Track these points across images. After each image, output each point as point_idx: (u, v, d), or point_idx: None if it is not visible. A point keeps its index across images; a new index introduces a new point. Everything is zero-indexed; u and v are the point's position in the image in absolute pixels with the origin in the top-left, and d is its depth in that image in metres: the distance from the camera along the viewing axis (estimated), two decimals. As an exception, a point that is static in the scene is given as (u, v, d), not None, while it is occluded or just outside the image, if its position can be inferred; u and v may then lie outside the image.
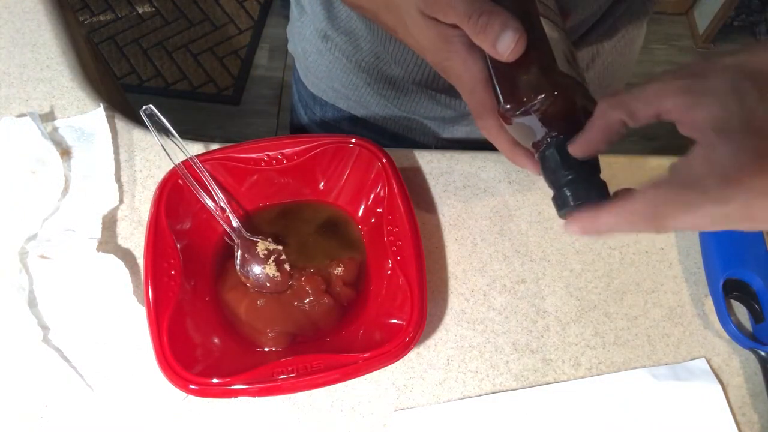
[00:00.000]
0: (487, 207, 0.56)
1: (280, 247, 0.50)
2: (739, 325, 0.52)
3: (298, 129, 0.78)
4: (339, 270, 0.49)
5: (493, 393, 0.48)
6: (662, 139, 1.66)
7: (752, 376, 0.50)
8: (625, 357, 0.50)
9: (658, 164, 0.60)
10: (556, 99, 0.34)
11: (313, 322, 0.48)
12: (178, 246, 0.47)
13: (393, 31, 0.42)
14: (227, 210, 0.49)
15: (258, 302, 0.48)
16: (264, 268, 0.48)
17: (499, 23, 0.33)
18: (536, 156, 0.38)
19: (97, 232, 0.51)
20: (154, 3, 1.97)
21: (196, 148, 0.56)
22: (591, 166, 0.36)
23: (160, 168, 0.56)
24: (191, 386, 0.40)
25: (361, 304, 0.49)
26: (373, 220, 0.51)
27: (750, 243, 0.52)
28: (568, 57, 0.36)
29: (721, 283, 0.51)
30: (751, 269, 0.51)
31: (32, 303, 0.48)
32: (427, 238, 0.54)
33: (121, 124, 0.58)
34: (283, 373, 0.41)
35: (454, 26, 0.36)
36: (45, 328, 0.47)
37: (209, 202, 0.49)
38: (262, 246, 0.49)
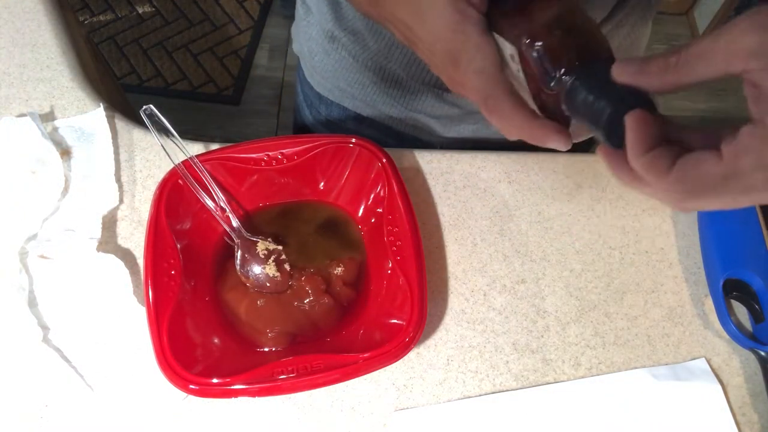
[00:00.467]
0: (487, 207, 0.56)
1: (280, 247, 0.50)
2: (739, 325, 0.52)
3: (302, 129, 0.78)
4: (339, 270, 0.49)
5: (493, 393, 0.48)
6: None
7: (752, 376, 0.50)
8: (625, 357, 0.50)
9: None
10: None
11: (313, 322, 0.48)
12: (178, 246, 0.47)
13: (403, 28, 0.41)
14: (227, 210, 0.49)
15: (258, 302, 0.48)
16: (264, 268, 0.48)
17: None
18: (565, 104, 0.34)
19: (97, 232, 0.51)
20: (154, 3, 1.97)
21: (196, 148, 0.56)
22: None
23: (160, 168, 0.56)
24: (191, 386, 0.40)
25: (361, 304, 0.49)
26: (373, 220, 0.51)
27: (750, 243, 0.52)
28: None
29: (721, 283, 0.51)
30: (751, 269, 0.51)
31: (32, 303, 0.48)
32: (427, 238, 0.54)
33: (121, 124, 0.58)
34: (283, 373, 0.41)
35: (473, 5, 0.36)
36: (45, 328, 0.47)
37: (209, 202, 0.49)
38: (262, 246, 0.49)
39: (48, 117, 0.58)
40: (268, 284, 0.48)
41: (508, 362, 0.49)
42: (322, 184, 0.53)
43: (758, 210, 0.54)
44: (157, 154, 0.57)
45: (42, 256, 0.50)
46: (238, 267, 0.49)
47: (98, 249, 0.50)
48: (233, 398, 0.42)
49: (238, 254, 0.49)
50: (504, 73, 0.37)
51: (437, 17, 0.37)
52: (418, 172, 0.58)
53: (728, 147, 0.27)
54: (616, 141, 0.31)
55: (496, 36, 0.37)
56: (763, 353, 0.49)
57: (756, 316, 0.51)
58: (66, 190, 0.53)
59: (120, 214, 0.53)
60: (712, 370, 0.50)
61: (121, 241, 0.52)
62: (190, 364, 0.42)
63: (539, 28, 0.34)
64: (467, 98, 0.40)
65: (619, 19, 0.56)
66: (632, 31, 0.59)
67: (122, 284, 0.48)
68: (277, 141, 0.51)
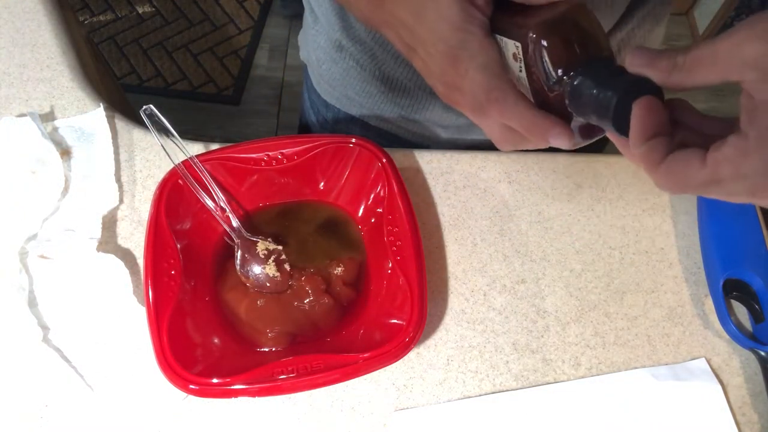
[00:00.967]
0: (487, 207, 0.56)
1: (280, 247, 0.50)
2: (739, 325, 0.52)
3: (307, 133, 0.79)
4: (339, 270, 0.49)
5: (493, 393, 0.48)
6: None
7: (752, 376, 0.50)
8: (625, 357, 0.50)
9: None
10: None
11: (313, 322, 0.48)
12: (178, 246, 0.47)
13: (403, 30, 0.41)
14: (227, 210, 0.49)
15: (258, 302, 0.48)
16: (264, 268, 0.48)
17: None
18: (569, 99, 0.34)
19: (97, 232, 0.51)
20: (154, 3, 1.97)
21: (196, 148, 0.56)
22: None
23: (160, 168, 0.56)
24: (191, 386, 0.40)
25: (361, 304, 0.49)
26: (373, 220, 0.51)
27: (750, 243, 0.52)
28: None
29: (721, 283, 0.51)
30: (751, 269, 0.51)
31: (32, 303, 0.48)
32: (427, 238, 0.54)
33: (121, 124, 0.58)
34: (283, 373, 0.41)
35: (479, 8, 0.36)
36: (45, 328, 0.47)
37: (209, 202, 0.49)
38: (262, 246, 0.49)
39: (48, 117, 0.58)
40: (268, 284, 0.48)
41: (508, 362, 0.49)
42: (322, 184, 0.53)
43: (758, 210, 0.54)
44: (157, 154, 0.57)
45: (42, 256, 0.50)
46: (238, 267, 0.49)
47: (98, 249, 0.50)
48: (233, 398, 0.42)
49: (238, 254, 0.49)
50: (506, 71, 0.37)
51: (441, 15, 0.37)
52: (418, 172, 0.58)
53: (712, 154, 0.27)
54: (624, 129, 0.31)
55: (498, 38, 0.37)
56: (763, 353, 0.49)
57: (756, 316, 0.51)
58: (66, 190, 0.53)
59: (120, 214, 0.53)
60: (712, 370, 0.50)
61: (121, 241, 0.52)
62: (190, 364, 0.42)
63: (546, 24, 0.34)
64: (462, 104, 0.40)
65: (638, 21, 0.56)
66: (650, 32, 0.59)
67: (122, 284, 0.48)
68: (277, 141, 0.51)
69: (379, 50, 0.59)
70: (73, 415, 0.45)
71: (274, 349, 0.47)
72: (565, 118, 0.35)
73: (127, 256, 0.51)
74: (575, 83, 0.33)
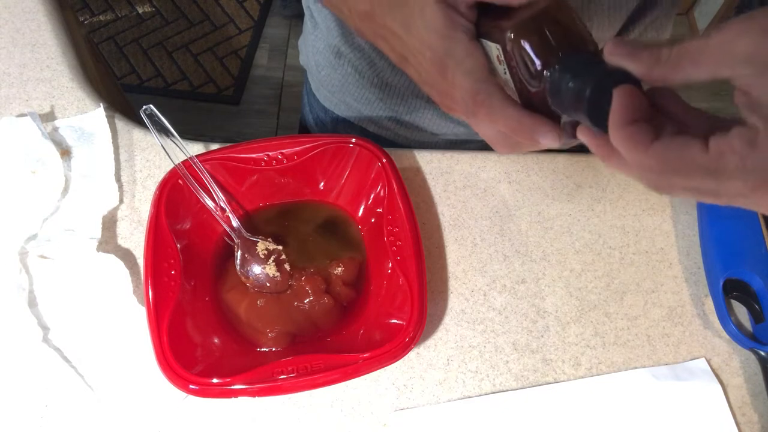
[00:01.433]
0: (487, 207, 0.56)
1: (280, 247, 0.50)
2: (739, 325, 0.52)
3: None
4: (339, 270, 0.49)
5: (493, 393, 0.48)
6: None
7: (752, 376, 0.50)
8: (625, 357, 0.50)
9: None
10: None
11: (313, 322, 0.48)
12: (178, 246, 0.47)
13: (395, 41, 0.41)
14: (227, 210, 0.49)
15: (258, 302, 0.48)
16: (264, 268, 0.48)
17: None
18: (549, 94, 0.34)
19: (97, 232, 0.51)
20: (154, 3, 1.97)
21: (196, 148, 0.56)
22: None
23: (160, 168, 0.56)
24: (191, 386, 0.40)
25: (361, 304, 0.49)
26: (373, 220, 0.51)
27: (750, 243, 0.52)
28: None
29: (721, 283, 0.51)
30: (751, 269, 0.51)
31: (32, 303, 0.48)
32: (427, 238, 0.54)
33: (121, 124, 0.58)
34: (283, 373, 0.41)
35: (463, 15, 0.37)
36: (45, 328, 0.47)
37: (209, 202, 0.49)
38: (262, 246, 0.49)
39: (48, 117, 0.58)
40: (268, 284, 0.48)
41: (508, 362, 0.49)
42: (322, 184, 0.53)
43: (758, 210, 0.54)
44: (157, 154, 0.57)
45: (42, 256, 0.50)
46: (238, 267, 0.49)
47: (98, 249, 0.50)
48: (233, 398, 0.42)
49: (238, 254, 0.49)
50: (493, 75, 0.37)
51: (427, 25, 0.37)
52: (418, 172, 0.58)
53: (716, 141, 0.26)
54: (598, 121, 0.30)
55: (484, 42, 0.37)
56: (763, 353, 0.49)
57: (756, 316, 0.51)
58: (66, 190, 0.53)
59: (120, 214, 0.53)
60: (712, 370, 0.50)
61: (121, 241, 0.52)
62: (190, 364, 0.42)
63: (523, 23, 0.34)
64: (456, 110, 0.40)
65: (639, 32, 0.57)
66: (660, 31, 0.60)
67: (122, 284, 0.48)
68: (277, 141, 0.51)
69: (377, 57, 0.59)
70: (73, 415, 0.45)
71: (274, 349, 0.47)
72: (553, 117, 0.35)
73: (127, 256, 0.51)
74: (553, 78, 0.33)
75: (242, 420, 0.46)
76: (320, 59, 0.66)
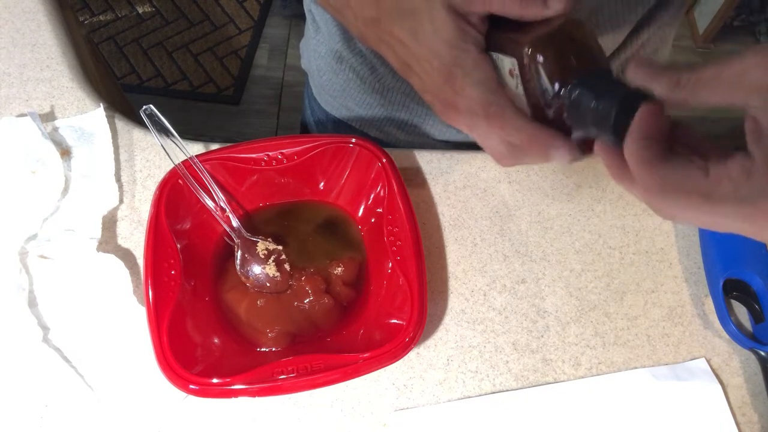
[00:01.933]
0: (487, 207, 0.56)
1: (280, 247, 0.50)
2: (739, 325, 0.52)
3: None
4: (339, 270, 0.49)
5: (493, 393, 0.48)
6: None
7: (752, 376, 0.50)
8: (625, 357, 0.50)
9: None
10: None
11: (313, 322, 0.48)
12: (178, 246, 0.47)
13: (399, 48, 0.41)
14: (227, 210, 0.49)
15: (258, 302, 0.48)
16: (264, 268, 0.48)
17: None
18: (567, 112, 0.34)
19: (97, 232, 0.51)
20: (154, 3, 1.97)
21: (196, 148, 0.56)
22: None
23: (160, 168, 0.56)
24: (191, 386, 0.40)
25: (361, 304, 0.49)
26: (373, 220, 0.51)
27: (750, 243, 0.52)
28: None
29: (721, 283, 0.51)
30: (751, 269, 0.51)
31: (32, 303, 0.48)
32: (427, 238, 0.54)
33: (121, 124, 0.58)
34: (283, 373, 0.41)
35: (474, 26, 0.37)
36: (45, 328, 0.47)
37: (209, 202, 0.49)
38: (262, 246, 0.49)
39: (48, 117, 0.58)
40: (268, 284, 0.48)
41: (508, 362, 0.49)
42: (322, 184, 0.53)
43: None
44: (157, 154, 0.57)
45: (42, 256, 0.50)
46: (238, 267, 0.49)
47: (98, 249, 0.50)
48: (233, 398, 0.42)
49: (238, 254, 0.49)
50: (503, 87, 0.37)
51: (436, 33, 0.37)
52: (418, 172, 0.58)
53: (716, 167, 0.27)
54: (620, 140, 0.30)
55: (494, 55, 0.37)
56: (763, 353, 0.49)
57: (756, 316, 0.51)
58: (66, 190, 0.53)
59: (120, 214, 0.53)
60: (712, 370, 0.50)
61: (121, 241, 0.52)
62: (190, 364, 0.41)
63: (541, 39, 0.34)
64: (459, 121, 0.39)
65: (642, 42, 0.57)
66: (656, 51, 0.60)
67: (122, 284, 0.48)
68: (277, 141, 0.51)
69: (379, 63, 0.59)
70: (73, 415, 0.45)
71: (274, 349, 0.47)
72: (563, 131, 0.35)
73: (127, 256, 0.51)
74: (573, 96, 0.33)
75: (242, 420, 0.46)
76: (322, 64, 0.66)
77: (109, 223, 0.53)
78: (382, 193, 0.50)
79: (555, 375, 0.49)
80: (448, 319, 0.51)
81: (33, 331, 0.46)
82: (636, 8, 0.54)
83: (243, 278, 0.49)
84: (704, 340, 0.51)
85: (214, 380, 0.41)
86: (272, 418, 0.46)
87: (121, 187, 0.54)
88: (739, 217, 0.26)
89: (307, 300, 0.48)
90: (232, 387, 0.41)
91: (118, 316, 0.48)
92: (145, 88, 1.81)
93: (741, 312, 0.53)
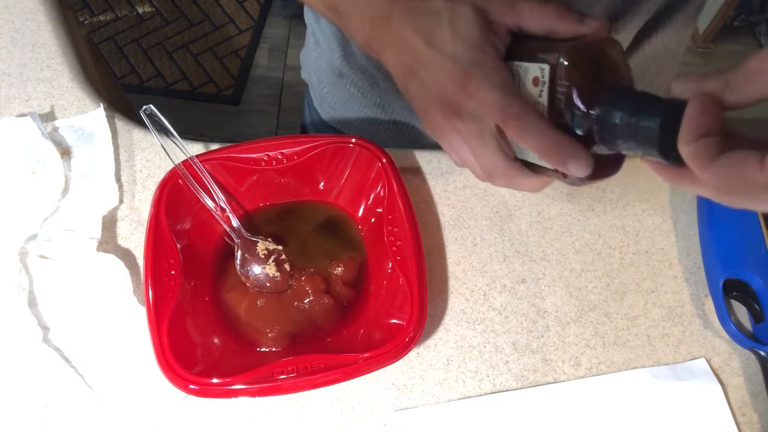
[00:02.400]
0: (487, 207, 0.56)
1: (280, 247, 0.50)
2: (739, 325, 0.52)
3: None
4: (339, 270, 0.49)
5: (493, 393, 0.48)
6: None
7: (752, 376, 0.50)
8: (625, 357, 0.50)
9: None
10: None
11: (313, 322, 0.48)
12: (178, 246, 0.47)
13: (404, 53, 0.40)
14: (227, 210, 0.49)
15: (258, 302, 0.48)
16: (264, 268, 0.48)
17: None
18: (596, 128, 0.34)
19: (97, 232, 0.51)
20: (154, 3, 1.97)
21: (196, 148, 0.56)
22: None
23: (160, 168, 0.56)
24: (191, 386, 0.40)
25: (361, 304, 0.49)
26: (373, 220, 0.51)
27: (750, 243, 0.52)
28: None
29: (721, 283, 0.51)
30: (751, 269, 0.51)
31: (32, 303, 0.48)
32: (427, 238, 0.54)
33: (121, 124, 0.58)
34: (283, 373, 0.41)
35: (498, 35, 0.37)
36: (45, 328, 0.47)
37: (209, 202, 0.49)
38: (262, 246, 0.49)
39: (48, 117, 0.58)
40: (268, 284, 0.48)
41: (508, 362, 0.49)
42: (322, 184, 0.53)
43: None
44: (157, 154, 0.57)
45: (42, 256, 0.50)
46: (238, 267, 0.49)
47: (98, 249, 0.50)
48: (233, 398, 0.42)
49: (238, 254, 0.49)
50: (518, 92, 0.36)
51: (457, 34, 0.37)
52: (418, 172, 0.58)
53: None
54: (667, 152, 0.30)
55: (515, 64, 0.37)
56: (763, 353, 0.49)
57: (756, 316, 0.51)
58: (66, 190, 0.53)
59: (120, 214, 0.53)
60: (712, 370, 0.50)
61: (121, 241, 0.52)
62: (190, 364, 0.41)
63: (583, 47, 0.34)
64: (458, 129, 0.38)
65: (674, 29, 0.56)
66: (684, 34, 0.59)
67: (122, 284, 0.48)
68: (277, 141, 0.51)
69: (381, 78, 0.59)
70: (73, 415, 0.45)
71: (274, 349, 0.47)
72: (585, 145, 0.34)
73: (127, 256, 0.51)
74: (609, 112, 0.32)
75: (242, 420, 0.46)
76: (322, 76, 0.65)
77: (109, 223, 0.53)
78: (382, 193, 0.50)
79: (555, 375, 0.49)
80: (448, 319, 0.51)
81: (33, 331, 0.46)
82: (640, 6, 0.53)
83: (243, 278, 0.49)
84: (704, 340, 0.51)
85: (214, 380, 0.41)
86: (272, 418, 0.46)
87: (121, 187, 0.54)
88: None
89: (307, 300, 0.48)
90: (232, 387, 0.41)
91: (118, 316, 0.48)
92: (145, 88, 1.82)
93: (741, 312, 0.53)
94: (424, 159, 0.58)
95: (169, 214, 0.47)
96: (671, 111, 0.29)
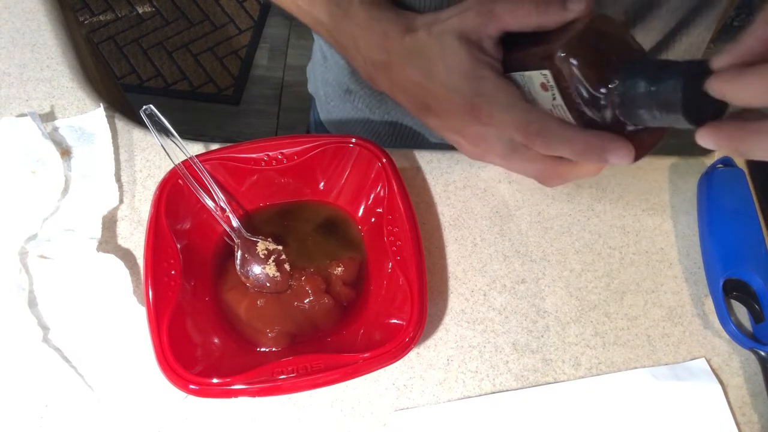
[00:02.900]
0: (487, 207, 0.56)
1: (280, 247, 0.50)
2: (739, 325, 0.52)
3: None
4: (339, 270, 0.49)
5: (493, 393, 0.48)
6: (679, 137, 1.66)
7: (752, 376, 0.50)
8: (625, 357, 0.50)
9: (661, 164, 0.60)
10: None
11: (313, 322, 0.48)
12: (178, 246, 0.47)
13: (417, 91, 0.39)
14: (227, 210, 0.49)
15: (258, 302, 0.48)
16: (264, 268, 0.48)
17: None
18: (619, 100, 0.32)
19: (97, 232, 0.51)
20: (154, 3, 1.97)
21: (196, 148, 0.56)
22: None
23: (160, 168, 0.56)
24: (191, 386, 0.40)
25: (361, 304, 0.49)
26: (373, 220, 0.51)
27: (750, 243, 0.52)
28: None
29: (721, 283, 0.51)
30: (751, 269, 0.51)
31: (32, 303, 0.48)
32: (427, 238, 0.54)
33: (121, 124, 0.58)
34: (283, 373, 0.41)
35: (488, 53, 0.36)
36: (45, 328, 0.47)
37: (209, 202, 0.49)
38: (262, 246, 0.49)
39: (48, 117, 0.58)
40: (268, 284, 0.48)
41: (508, 362, 0.49)
42: (322, 184, 0.53)
43: (758, 210, 0.54)
44: (157, 154, 0.57)
45: (42, 256, 0.50)
46: (238, 267, 0.49)
47: (98, 249, 0.50)
48: (233, 398, 0.42)
49: (238, 254, 0.49)
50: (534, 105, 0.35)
51: (450, 67, 0.36)
52: (418, 172, 0.58)
53: None
54: (694, 115, 0.28)
55: (516, 75, 0.36)
56: (763, 353, 0.49)
57: (756, 316, 0.51)
58: (66, 190, 0.53)
59: (120, 214, 0.53)
60: (712, 370, 0.50)
61: (121, 241, 0.52)
62: (190, 364, 0.41)
63: (574, 41, 0.33)
64: (490, 153, 0.37)
65: (701, 28, 0.56)
66: (705, 36, 0.59)
67: (122, 284, 0.48)
68: (277, 141, 0.51)
69: (389, 97, 0.59)
70: (73, 415, 0.45)
71: (274, 349, 0.47)
72: (617, 130, 0.33)
73: (127, 256, 0.51)
74: (625, 88, 0.31)
75: (242, 420, 0.46)
76: (329, 91, 0.65)
77: (109, 223, 0.53)
78: (382, 193, 0.50)
79: (555, 375, 0.49)
80: (448, 319, 0.51)
81: (33, 331, 0.46)
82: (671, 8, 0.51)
83: (243, 278, 0.49)
84: (704, 340, 0.51)
85: (214, 380, 0.41)
86: (272, 418, 0.46)
87: (121, 187, 0.54)
88: None
89: (307, 300, 0.48)
90: (232, 387, 0.41)
91: (118, 316, 0.48)
92: (145, 88, 1.82)
93: (741, 312, 0.53)
94: (424, 159, 0.58)
95: (169, 214, 0.47)
96: (689, 71, 0.28)
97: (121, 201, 0.54)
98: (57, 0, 0.66)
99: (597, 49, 0.33)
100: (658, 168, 0.60)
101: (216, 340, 0.46)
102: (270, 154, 0.51)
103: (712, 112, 0.29)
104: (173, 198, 0.48)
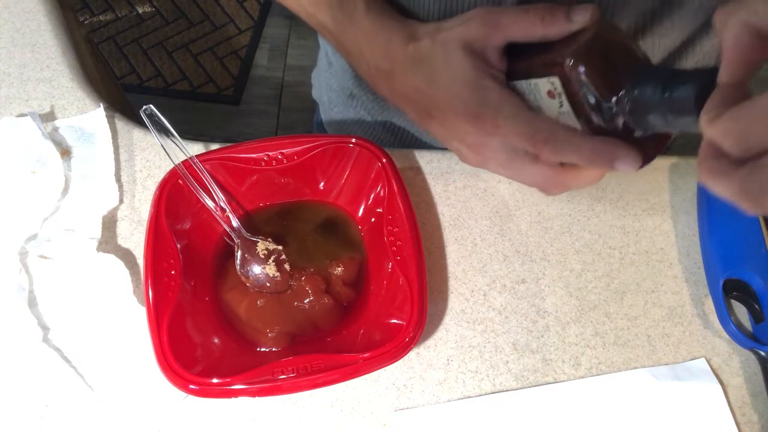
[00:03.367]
0: (487, 207, 0.56)
1: (280, 247, 0.50)
2: (739, 325, 0.52)
3: None
4: (339, 270, 0.49)
5: (493, 393, 0.48)
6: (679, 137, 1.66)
7: (752, 376, 0.50)
8: (625, 357, 0.50)
9: (661, 164, 0.60)
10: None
11: (313, 322, 0.48)
12: (178, 246, 0.47)
13: (419, 99, 0.39)
14: (227, 210, 0.49)
15: (258, 302, 0.48)
16: (264, 268, 0.48)
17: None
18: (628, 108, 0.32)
19: (97, 232, 0.51)
20: (154, 3, 1.97)
21: (196, 148, 0.56)
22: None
23: (160, 168, 0.56)
24: (191, 386, 0.40)
25: (361, 304, 0.49)
26: (373, 220, 0.51)
27: (750, 243, 0.52)
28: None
29: (721, 283, 0.51)
30: (751, 269, 0.51)
31: (32, 303, 0.48)
32: (427, 238, 0.54)
33: (121, 124, 0.58)
34: (283, 373, 0.41)
35: (492, 64, 0.36)
36: (45, 328, 0.47)
37: (209, 202, 0.49)
38: (262, 246, 0.49)
39: (48, 117, 0.58)
40: (268, 284, 0.48)
41: (508, 362, 0.49)
42: (322, 184, 0.53)
43: (758, 210, 0.54)
44: (157, 154, 0.57)
45: (42, 256, 0.50)
46: (238, 267, 0.49)
47: (98, 249, 0.50)
48: (233, 398, 0.42)
49: (238, 254, 0.49)
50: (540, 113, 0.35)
51: (454, 77, 0.36)
52: (418, 172, 0.58)
53: None
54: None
55: (521, 84, 0.36)
56: (763, 353, 0.49)
57: (756, 316, 0.51)
58: (66, 190, 0.53)
59: (120, 214, 0.53)
60: (712, 370, 0.50)
61: (121, 241, 0.52)
62: (190, 364, 0.42)
63: (586, 47, 0.33)
64: (492, 161, 0.37)
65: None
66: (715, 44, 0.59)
67: (122, 284, 0.48)
68: (277, 141, 0.51)
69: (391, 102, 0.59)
70: (73, 415, 0.45)
71: (274, 349, 0.47)
72: (624, 137, 0.33)
73: (127, 256, 0.51)
74: (637, 95, 0.31)
75: (242, 420, 0.46)
76: (333, 96, 0.65)
77: (109, 223, 0.53)
78: (382, 193, 0.50)
79: (555, 375, 0.49)
80: (448, 319, 0.51)
81: (33, 331, 0.46)
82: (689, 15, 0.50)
83: (243, 278, 0.49)
84: (704, 340, 0.51)
85: (214, 380, 0.41)
86: (272, 418, 0.46)
87: (121, 187, 0.54)
88: None
89: (307, 300, 0.48)
90: (232, 387, 0.41)
91: (118, 316, 0.48)
92: (145, 88, 1.81)
93: (741, 312, 0.53)
94: (424, 159, 0.58)
95: (169, 214, 0.47)
96: (702, 76, 0.28)
97: (121, 201, 0.54)
98: (57, 0, 0.66)
99: (606, 57, 0.33)
100: (658, 168, 0.60)
101: (216, 340, 0.46)
102: (270, 154, 0.51)
103: None
104: (173, 198, 0.48)
